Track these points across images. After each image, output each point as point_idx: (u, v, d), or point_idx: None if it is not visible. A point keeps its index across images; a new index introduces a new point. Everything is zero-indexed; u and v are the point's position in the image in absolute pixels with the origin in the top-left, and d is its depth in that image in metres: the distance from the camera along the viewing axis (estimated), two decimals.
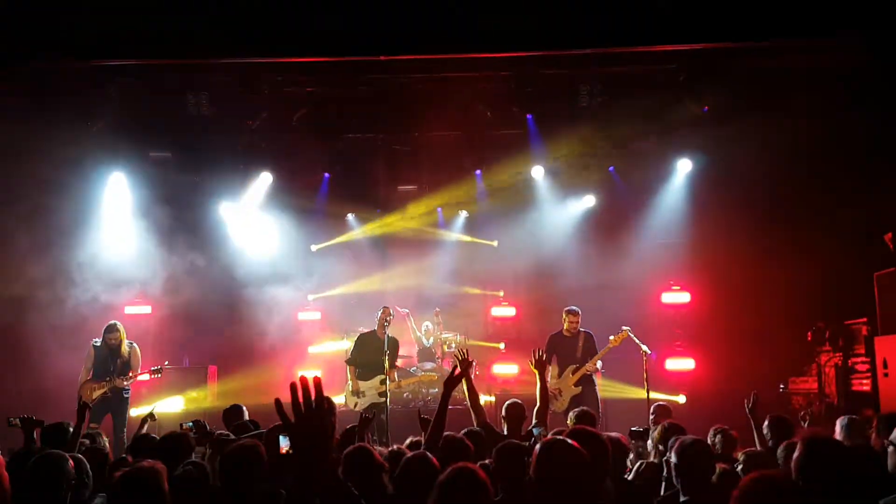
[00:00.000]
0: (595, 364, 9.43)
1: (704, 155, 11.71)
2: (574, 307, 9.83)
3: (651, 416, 7.45)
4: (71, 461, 4.04)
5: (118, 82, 10.23)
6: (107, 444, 6.02)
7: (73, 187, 11.38)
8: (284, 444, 4.19)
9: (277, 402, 2.26)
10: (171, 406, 10.78)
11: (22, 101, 10.09)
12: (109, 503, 3.89)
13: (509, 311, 13.58)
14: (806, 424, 6.24)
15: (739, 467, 4.78)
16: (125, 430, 9.18)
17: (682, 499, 4.05)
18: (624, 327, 9.55)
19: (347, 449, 4.19)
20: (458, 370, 4.99)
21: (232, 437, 5.56)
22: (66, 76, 9.87)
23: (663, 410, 7.42)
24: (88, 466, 4.54)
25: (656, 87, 10.54)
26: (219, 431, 5.86)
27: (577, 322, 9.72)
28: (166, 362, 10.17)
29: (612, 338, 9.51)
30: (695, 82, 10.38)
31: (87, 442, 5.72)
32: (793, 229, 11.63)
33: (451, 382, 4.88)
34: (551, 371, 9.54)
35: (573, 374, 9.48)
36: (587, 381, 9.49)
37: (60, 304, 11.10)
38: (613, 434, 5.31)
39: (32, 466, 3.87)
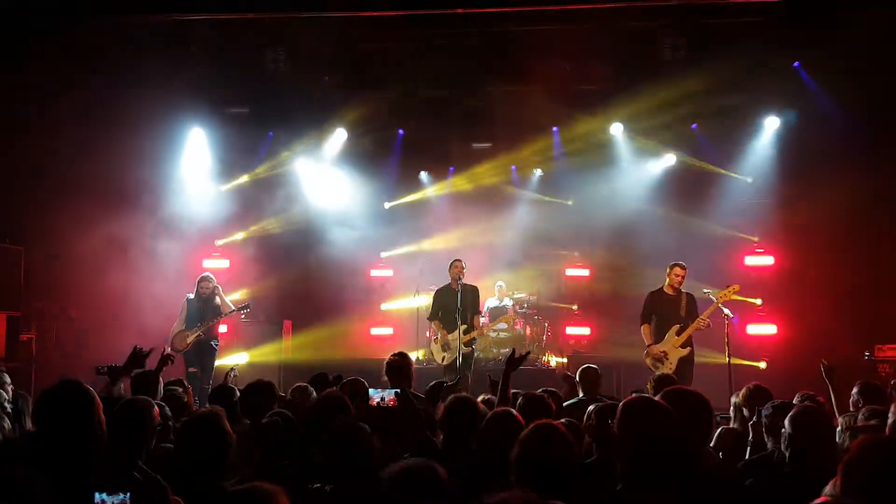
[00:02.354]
0: (706, 319, 8.74)
1: (794, 112, 11.18)
2: (681, 262, 9.11)
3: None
4: (156, 408, 4.10)
5: (198, 37, 10.32)
6: (188, 393, 6.11)
7: (153, 143, 11.57)
8: (375, 395, 4.31)
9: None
10: (243, 359, 11.05)
11: (102, 56, 10.26)
12: (175, 449, 3.99)
13: (583, 272, 13.35)
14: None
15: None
16: (211, 381, 9.44)
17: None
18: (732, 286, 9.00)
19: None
20: (519, 355, 5.32)
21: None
22: (146, 30, 9.98)
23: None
24: (170, 412, 4.66)
25: (743, 40, 10.07)
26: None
27: (683, 278, 9.00)
28: (248, 307, 10.34)
29: (718, 293, 8.86)
30: (784, 35, 9.90)
31: (179, 389, 5.84)
32: (885, 190, 11.09)
33: (512, 363, 5.16)
34: (648, 334, 9.05)
35: (678, 334, 8.78)
36: (690, 343, 8.82)
37: (144, 261, 11.38)
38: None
39: (118, 411, 3.93)
